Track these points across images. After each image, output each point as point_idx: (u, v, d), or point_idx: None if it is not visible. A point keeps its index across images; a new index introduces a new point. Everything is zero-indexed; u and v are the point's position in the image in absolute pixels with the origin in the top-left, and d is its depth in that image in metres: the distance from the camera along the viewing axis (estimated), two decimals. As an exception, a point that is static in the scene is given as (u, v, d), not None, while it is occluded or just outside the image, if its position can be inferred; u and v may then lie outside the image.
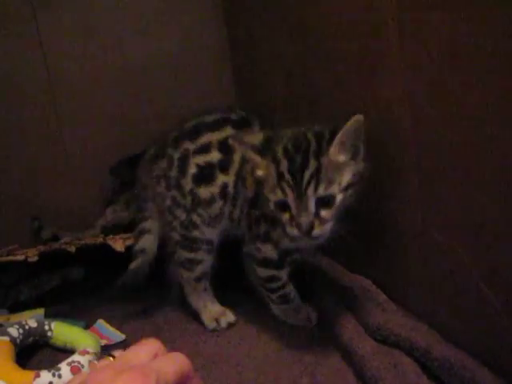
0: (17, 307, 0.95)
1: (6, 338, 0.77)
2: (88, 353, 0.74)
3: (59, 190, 1.16)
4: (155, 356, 0.57)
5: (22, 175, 1.14)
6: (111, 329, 0.88)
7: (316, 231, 0.67)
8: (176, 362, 0.56)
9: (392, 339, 0.72)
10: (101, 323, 0.90)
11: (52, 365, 0.72)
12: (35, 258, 0.84)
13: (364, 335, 0.73)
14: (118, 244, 0.86)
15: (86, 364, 0.72)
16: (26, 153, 1.14)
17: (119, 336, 0.86)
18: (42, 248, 0.86)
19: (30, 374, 0.69)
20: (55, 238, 1.04)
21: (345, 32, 0.79)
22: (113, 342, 0.84)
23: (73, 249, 0.86)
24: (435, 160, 0.67)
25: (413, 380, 0.64)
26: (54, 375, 0.69)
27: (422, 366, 0.68)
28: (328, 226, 0.68)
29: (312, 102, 0.94)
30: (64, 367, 0.70)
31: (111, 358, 0.65)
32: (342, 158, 0.69)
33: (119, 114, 1.19)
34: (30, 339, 0.81)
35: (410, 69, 0.67)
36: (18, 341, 0.78)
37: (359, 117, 0.67)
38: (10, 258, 0.84)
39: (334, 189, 0.68)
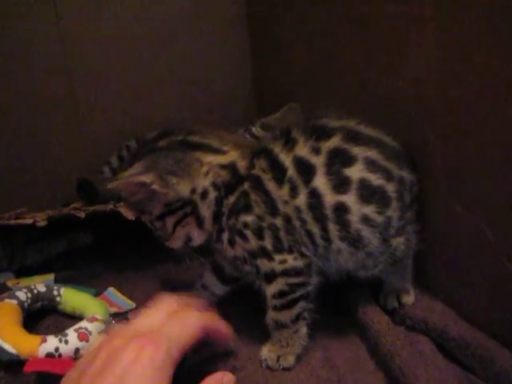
0: (23, 271, 0.94)
1: (14, 302, 0.75)
2: (96, 320, 0.73)
3: (71, 155, 1.15)
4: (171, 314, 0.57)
5: (34, 139, 1.13)
6: (121, 297, 0.87)
7: (166, 243, 0.74)
8: (189, 326, 0.56)
9: (408, 322, 0.71)
10: (111, 291, 0.89)
11: (59, 330, 0.71)
12: (44, 223, 0.82)
13: (379, 311, 0.72)
14: (129, 212, 0.85)
15: (93, 331, 0.71)
16: (38, 116, 1.13)
17: (129, 304, 0.85)
18: (50, 212, 0.85)
19: (36, 338, 0.68)
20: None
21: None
22: (123, 310, 0.83)
23: (82, 215, 0.84)
24: (462, 132, 0.64)
25: (429, 357, 0.63)
26: (60, 341, 0.68)
27: (439, 346, 0.66)
28: (174, 243, 0.73)
29: (334, 73, 0.91)
30: (71, 333, 0.69)
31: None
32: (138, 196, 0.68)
33: (133, 78, 1.17)
34: (39, 304, 0.80)
35: (444, 36, 0.63)
36: (25, 305, 0.77)
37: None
38: (19, 221, 0.83)
39: (150, 217, 0.71)
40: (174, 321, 0.57)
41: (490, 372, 0.60)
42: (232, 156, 0.69)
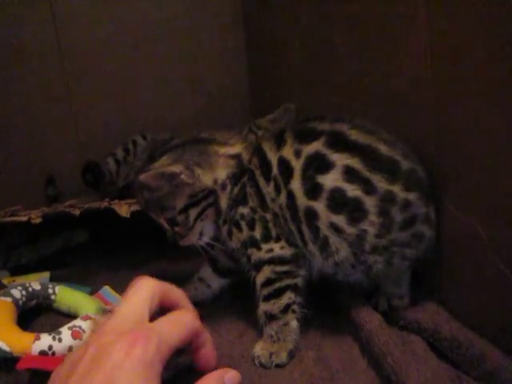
0: (19, 269, 0.94)
1: (9, 299, 0.76)
2: (90, 318, 0.73)
3: (65, 152, 1.16)
4: (153, 297, 0.57)
5: (29, 136, 1.13)
6: (116, 295, 0.87)
7: (181, 242, 0.75)
8: (181, 325, 0.56)
9: (401, 323, 0.71)
10: (106, 289, 0.89)
11: (54, 328, 0.71)
12: (38, 220, 0.82)
13: (372, 310, 0.72)
14: (124, 209, 0.85)
15: (87, 329, 0.71)
16: (33, 114, 1.13)
17: (124, 302, 0.85)
18: (45, 210, 0.85)
19: (30, 336, 0.68)
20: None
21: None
22: (117, 309, 0.83)
23: (77, 212, 0.84)
24: (457, 132, 0.64)
25: (421, 357, 0.63)
26: (54, 339, 0.68)
27: (431, 345, 0.66)
28: (191, 239, 0.74)
29: (329, 72, 0.91)
30: (65, 331, 0.69)
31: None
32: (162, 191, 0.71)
33: (127, 76, 1.17)
34: (33, 302, 0.80)
35: (436, 35, 0.63)
36: (20, 303, 0.77)
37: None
38: (13, 218, 0.83)
39: (172, 213, 0.73)
40: (166, 318, 0.57)
41: (482, 371, 0.60)
42: (239, 148, 0.74)
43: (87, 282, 0.91)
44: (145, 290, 0.58)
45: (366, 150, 0.65)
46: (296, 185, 0.66)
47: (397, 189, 0.64)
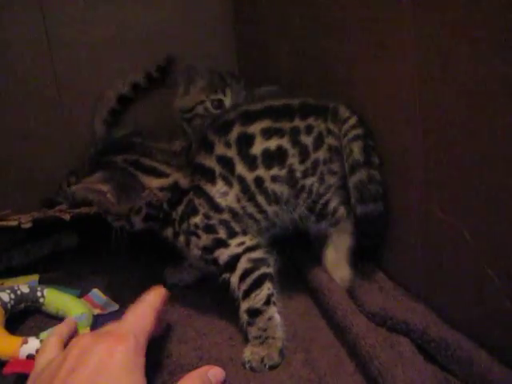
0: (8, 272, 0.94)
1: (-3, 303, 0.76)
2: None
3: (56, 157, 1.15)
4: None
5: (19, 140, 1.13)
6: (105, 298, 0.87)
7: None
8: (147, 316, 0.61)
9: (388, 323, 0.71)
10: (95, 292, 0.89)
11: (42, 332, 0.72)
12: (29, 225, 0.82)
13: (358, 313, 0.72)
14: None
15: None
16: (24, 117, 1.13)
17: (113, 305, 0.85)
18: (35, 214, 0.85)
19: (17, 340, 0.68)
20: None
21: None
22: (106, 312, 0.83)
23: (67, 217, 0.84)
24: (441, 137, 0.64)
25: (408, 359, 0.63)
26: (42, 342, 0.68)
27: (419, 347, 0.66)
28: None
29: (318, 75, 0.91)
30: (53, 335, 0.69)
31: None
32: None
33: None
34: (22, 305, 0.80)
35: (422, 40, 0.64)
36: (8, 306, 0.77)
37: None
38: (3, 223, 0.83)
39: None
40: (132, 315, 0.61)
41: (469, 373, 0.61)
42: (174, 177, 0.78)
43: (76, 284, 0.90)
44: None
45: (267, 110, 0.79)
46: (240, 168, 0.76)
47: (297, 122, 0.78)
